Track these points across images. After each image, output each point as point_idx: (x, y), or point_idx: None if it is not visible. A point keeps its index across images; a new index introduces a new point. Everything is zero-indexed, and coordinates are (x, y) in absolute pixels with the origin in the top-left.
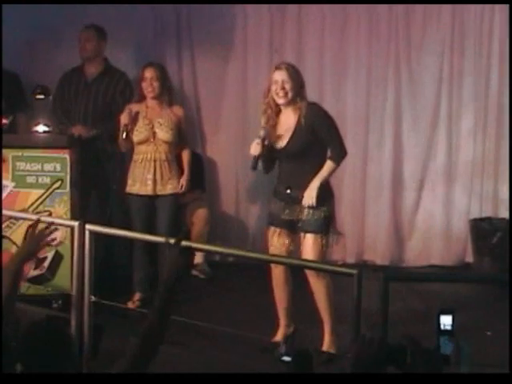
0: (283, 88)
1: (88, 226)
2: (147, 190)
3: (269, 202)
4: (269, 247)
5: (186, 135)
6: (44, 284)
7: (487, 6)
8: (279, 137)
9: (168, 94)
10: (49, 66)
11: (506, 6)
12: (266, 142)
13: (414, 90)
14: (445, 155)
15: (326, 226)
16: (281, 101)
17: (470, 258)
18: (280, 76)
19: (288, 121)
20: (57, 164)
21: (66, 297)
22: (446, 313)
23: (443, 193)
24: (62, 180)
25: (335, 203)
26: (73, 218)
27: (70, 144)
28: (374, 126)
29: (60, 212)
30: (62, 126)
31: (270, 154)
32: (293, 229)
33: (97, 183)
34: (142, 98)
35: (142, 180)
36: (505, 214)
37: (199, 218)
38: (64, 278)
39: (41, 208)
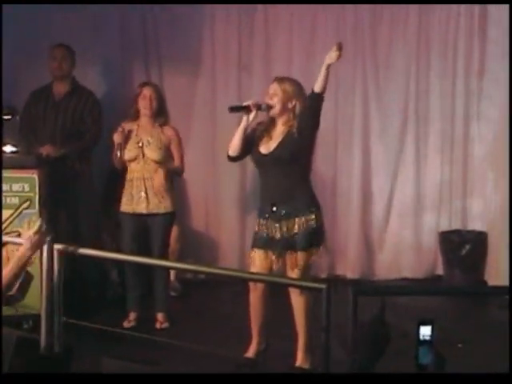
0: (271, 100)
1: (56, 246)
2: (141, 208)
3: (240, 221)
4: (251, 268)
5: (177, 156)
6: (15, 304)
7: (452, 22)
8: (266, 142)
9: (163, 114)
10: (15, 85)
11: (506, 6)
12: (262, 108)
13: (381, 104)
14: (413, 168)
15: (319, 238)
16: (271, 113)
17: (440, 271)
18: (271, 88)
19: (277, 130)
20: (25, 184)
21: (37, 317)
22: (425, 323)
23: (412, 206)
24: (31, 200)
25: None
26: None
27: (39, 164)
28: (343, 139)
29: (28, 233)
30: (30, 146)
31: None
32: (280, 249)
33: (66, 203)
34: (135, 116)
35: (135, 198)
36: (473, 226)
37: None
38: (34, 299)
39: (9, 229)
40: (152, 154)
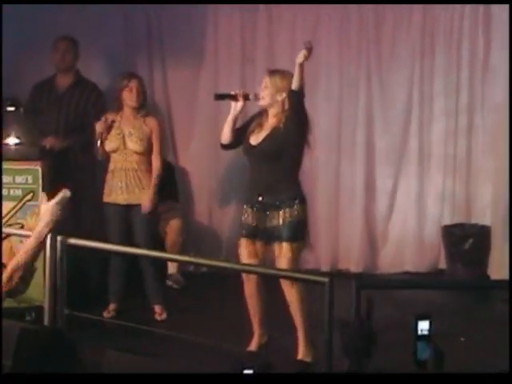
0: (263, 92)
1: (59, 238)
2: (118, 199)
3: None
4: (240, 259)
5: (158, 147)
6: (17, 296)
7: (457, 14)
8: (256, 133)
9: (145, 105)
10: (19, 77)
11: (506, 6)
12: (250, 98)
13: (385, 97)
14: (416, 162)
15: (301, 232)
16: (260, 103)
17: (443, 265)
18: (263, 81)
19: (268, 122)
20: (28, 176)
21: (40, 309)
22: (423, 318)
23: (415, 199)
24: (34, 192)
25: (308, 210)
26: None
27: (42, 156)
28: (346, 134)
29: (32, 224)
30: (33, 138)
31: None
32: (266, 238)
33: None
34: (119, 108)
35: (115, 189)
36: (476, 220)
37: (173, 228)
38: (37, 291)
39: (12, 220)
40: (133, 145)
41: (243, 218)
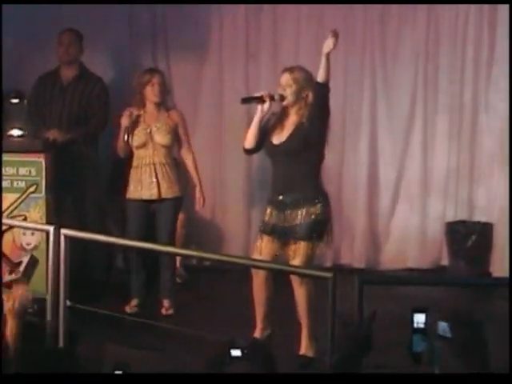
0: (285, 91)
1: (63, 231)
2: (152, 193)
3: (246, 209)
4: (255, 254)
5: (185, 140)
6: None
7: (461, 14)
8: (278, 133)
9: (166, 98)
10: (23, 69)
11: (506, 6)
12: (275, 99)
13: (389, 94)
14: (420, 159)
15: (320, 232)
16: (284, 103)
17: (445, 261)
18: (283, 79)
19: (289, 120)
20: (32, 168)
21: (42, 301)
22: (419, 311)
23: (418, 196)
24: (37, 184)
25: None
26: (48, 222)
27: (46, 148)
28: (350, 130)
29: (35, 216)
30: (37, 130)
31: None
32: (284, 237)
33: (72, 187)
34: (142, 103)
35: (144, 184)
36: (479, 218)
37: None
38: (39, 283)
39: (16, 212)
40: (162, 139)
41: (265, 217)
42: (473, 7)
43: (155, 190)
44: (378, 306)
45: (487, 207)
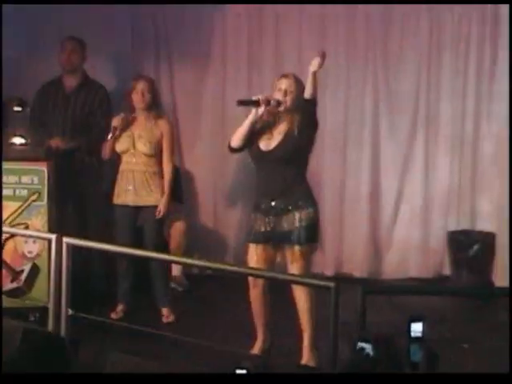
0: (285, 96)
1: (65, 239)
2: (127, 200)
3: (248, 217)
4: (249, 264)
5: (169, 150)
6: (21, 297)
7: (464, 18)
8: (267, 139)
9: (156, 106)
10: (26, 77)
11: (506, 6)
12: (271, 104)
13: (392, 103)
14: (422, 168)
15: (314, 234)
16: (280, 109)
17: (447, 271)
18: (285, 84)
19: (280, 127)
20: (34, 176)
21: (43, 310)
22: (416, 320)
23: (421, 206)
24: (40, 192)
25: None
26: (50, 230)
27: (48, 156)
28: (352, 139)
29: (37, 224)
30: (39, 138)
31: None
32: (277, 243)
33: (75, 196)
34: (131, 110)
35: (124, 191)
36: (482, 227)
37: (177, 230)
38: (41, 291)
39: (18, 220)
40: (142, 147)
41: (253, 225)
42: (475, 14)
43: (132, 197)
44: (380, 315)
45: (489, 217)
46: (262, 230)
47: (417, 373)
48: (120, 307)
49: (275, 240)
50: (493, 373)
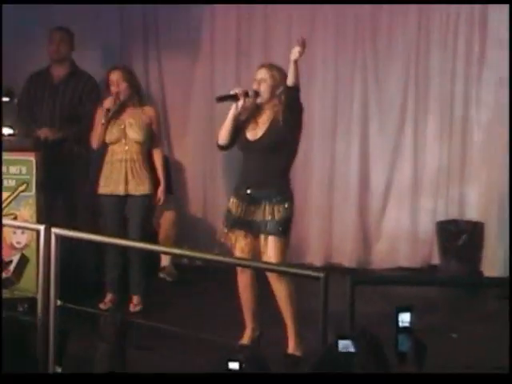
0: (259, 86)
1: (54, 230)
2: (119, 190)
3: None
4: (236, 252)
5: (158, 136)
6: (9, 287)
7: (452, 11)
8: (252, 129)
9: (137, 94)
10: (13, 67)
11: (506, 6)
12: (249, 95)
13: (380, 94)
14: (411, 158)
15: (285, 229)
16: (258, 100)
17: (436, 260)
18: (259, 74)
19: (264, 116)
20: (22, 167)
21: (32, 300)
22: (404, 310)
23: (410, 195)
24: (28, 183)
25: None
26: (38, 221)
27: (36, 147)
28: (341, 130)
29: (26, 215)
30: (28, 129)
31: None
32: (249, 231)
33: (63, 186)
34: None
35: (114, 180)
36: (470, 217)
37: (166, 220)
38: (30, 282)
39: (6, 211)
40: (134, 134)
41: (228, 208)
42: (464, 5)
43: (123, 186)
44: (369, 306)
45: (478, 206)
46: (234, 215)
47: (415, 373)
48: (108, 297)
49: (246, 228)
50: (493, 373)
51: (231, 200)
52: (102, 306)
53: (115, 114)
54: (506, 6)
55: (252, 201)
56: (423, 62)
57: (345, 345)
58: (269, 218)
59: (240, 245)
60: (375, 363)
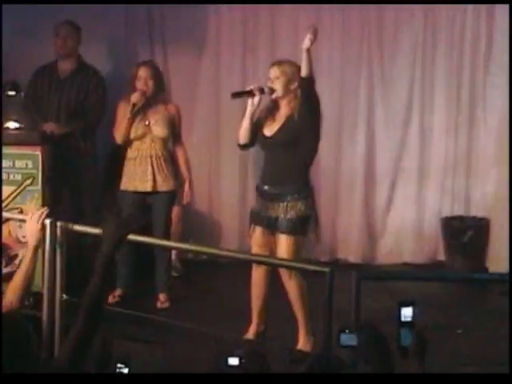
0: (273, 83)
1: (59, 224)
2: (147, 186)
3: (242, 203)
4: (252, 246)
5: (180, 133)
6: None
7: (459, 9)
8: (269, 125)
9: (162, 91)
10: (20, 61)
11: (506, 6)
12: (265, 92)
13: (386, 88)
14: (417, 154)
15: (302, 227)
16: (273, 96)
17: (441, 256)
18: (272, 72)
19: (280, 112)
20: (28, 161)
21: (38, 295)
22: (406, 305)
23: (415, 191)
24: (34, 177)
25: (315, 205)
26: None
27: (42, 141)
28: (347, 124)
29: (31, 209)
30: (34, 123)
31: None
32: (271, 227)
33: (69, 180)
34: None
35: (140, 177)
36: (475, 213)
37: (173, 215)
38: (35, 276)
39: (12, 205)
40: (160, 131)
41: (253, 205)
42: (471, 5)
43: (150, 183)
44: (374, 301)
45: (484, 202)
46: (258, 213)
47: (416, 373)
48: (118, 292)
49: (264, 224)
50: (493, 373)
51: (256, 198)
52: (110, 299)
53: (140, 110)
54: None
55: (269, 197)
56: (429, 58)
57: (348, 338)
58: (282, 215)
59: (257, 241)
60: (378, 356)
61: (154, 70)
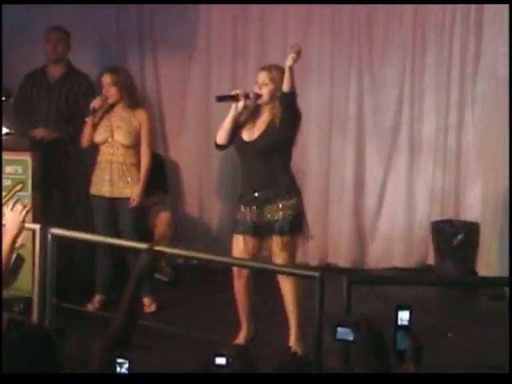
0: (261, 89)
1: (50, 230)
2: (103, 191)
3: (233, 207)
4: (234, 254)
5: (148, 139)
6: (5, 287)
7: (448, 8)
8: (249, 129)
9: (128, 97)
10: (9, 67)
11: (506, 6)
12: (250, 98)
13: (376, 92)
14: (407, 158)
15: (299, 225)
16: (259, 102)
17: (431, 260)
18: (260, 77)
19: (262, 117)
20: (18, 167)
21: (28, 300)
22: (403, 308)
23: (405, 195)
24: (24, 183)
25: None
26: (34, 221)
27: (32, 146)
28: (337, 130)
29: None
30: (23, 129)
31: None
32: (261, 233)
33: (59, 186)
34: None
35: (100, 181)
36: (465, 217)
37: (162, 220)
38: (25, 281)
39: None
40: (121, 137)
41: (238, 216)
42: (460, 5)
43: (107, 188)
44: (364, 305)
45: (473, 206)
46: (247, 220)
47: (414, 373)
48: (97, 298)
49: (259, 231)
50: (493, 373)
51: (241, 208)
52: (89, 306)
53: (103, 115)
54: (505, 6)
55: (261, 203)
56: (419, 61)
57: (343, 332)
58: (277, 217)
59: (241, 249)
60: (374, 353)
61: (116, 77)
